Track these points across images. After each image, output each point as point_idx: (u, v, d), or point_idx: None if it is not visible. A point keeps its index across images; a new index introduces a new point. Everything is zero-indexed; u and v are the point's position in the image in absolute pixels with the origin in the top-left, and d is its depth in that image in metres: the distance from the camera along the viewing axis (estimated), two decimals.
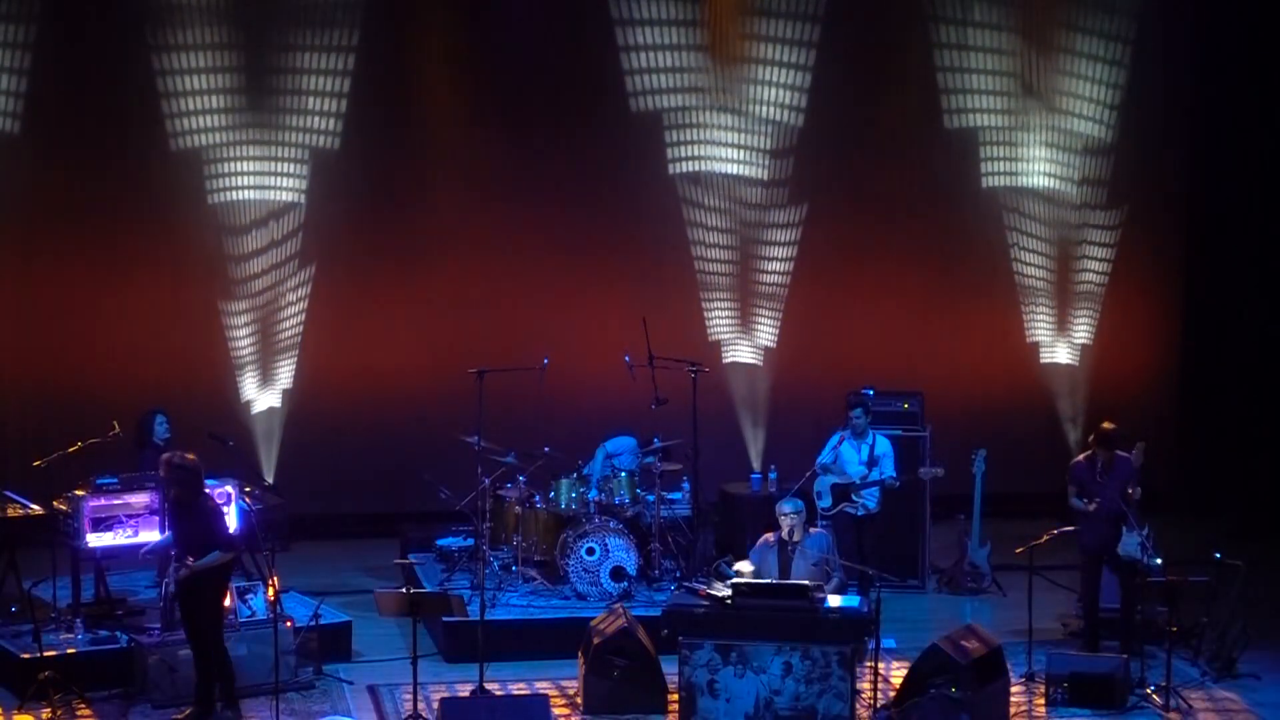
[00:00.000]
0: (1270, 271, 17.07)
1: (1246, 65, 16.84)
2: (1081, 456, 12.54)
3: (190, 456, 11.00)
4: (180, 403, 13.65)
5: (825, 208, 16.73)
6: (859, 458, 13.28)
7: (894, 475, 13.25)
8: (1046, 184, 17.08)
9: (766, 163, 16.59)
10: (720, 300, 16.56)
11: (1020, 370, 17.05)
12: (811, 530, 11.91)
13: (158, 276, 15.57)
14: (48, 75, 15.17)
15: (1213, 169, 17.21)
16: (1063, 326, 17.24)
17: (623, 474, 13.62)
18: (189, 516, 10.96)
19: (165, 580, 11.54)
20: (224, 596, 11.27)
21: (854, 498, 13.16)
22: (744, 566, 11.58)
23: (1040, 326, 17.20)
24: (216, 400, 15.17)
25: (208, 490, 11.32)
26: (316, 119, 15.82)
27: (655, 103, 16.31)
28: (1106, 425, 12.40)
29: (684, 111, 16.40)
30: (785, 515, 11.73)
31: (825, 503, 13.30)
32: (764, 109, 16.50)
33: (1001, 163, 17.00)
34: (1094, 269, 17.28)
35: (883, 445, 13.34)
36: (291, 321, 15.94)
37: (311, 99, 15.78)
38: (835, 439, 13.42)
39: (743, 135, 16.53)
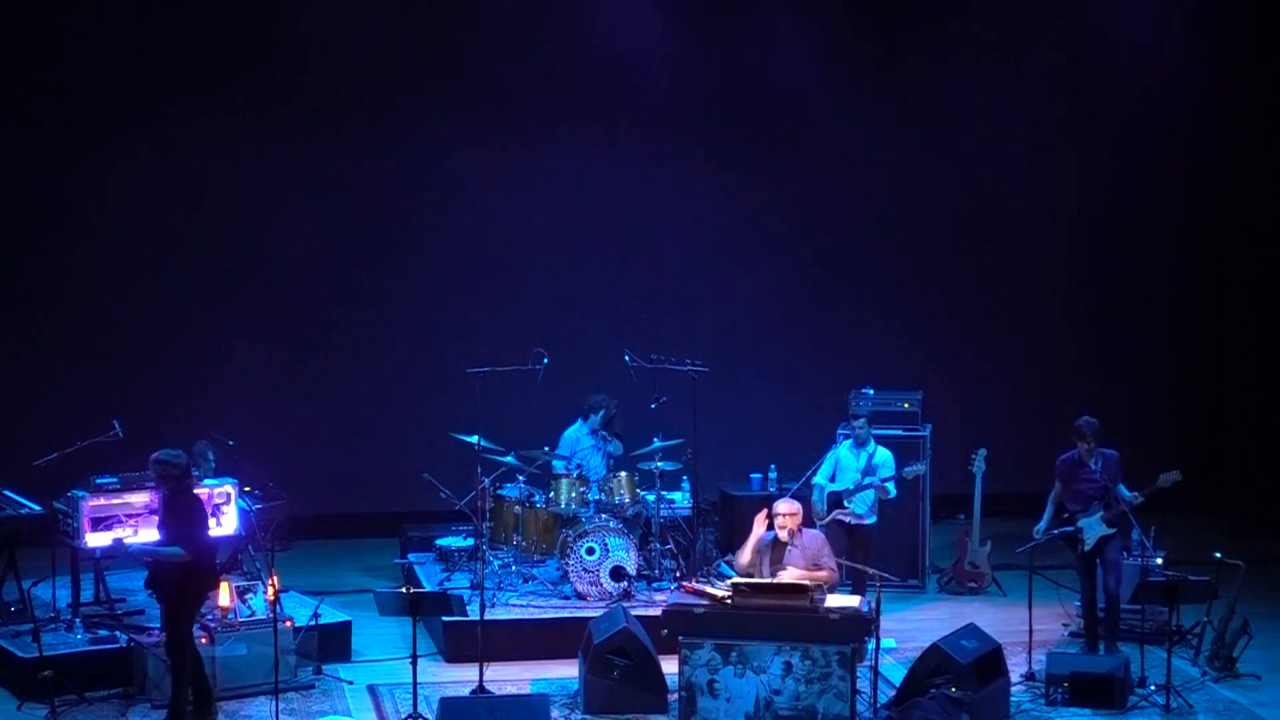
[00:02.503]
0: (1271, 270, 17.08)
1: (1247, 62, 16.90)
2: (1067, 455, 12.52)
3: (173, 453, 10.90)
4: (181, 402, 13.64)
5: (826, 207, 16.75)
6: (856, 465, 13.24)
7: (891, 478, 13.16)
8: (1046, 182, 17.10)
9: (767, 162, 16.60)
10: (720, 299, 16.56)
11: (1020, 369, 17.06)
12: (805, 530, 11.92)
13: (159, 275, 15.59)
14: (48, 76, 15.23)
15: (1214, 168, 17.23)
16: (1063, 325, 17.24)
17: (622, 474, 13.62)
18: (172, 512, 10.85)
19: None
20: (193, 602, 10.90)
21: (845, 504, 13.12)
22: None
23: (1040, 325, 17.20)
24: (217, 399, 15.15)
25: (196, 491, 11.25)
26: (317, 117, 15.85)
27: (654, 101, 16.32)
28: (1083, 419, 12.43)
29: (684, 110, 16.41)
30: (782, 515, 11.72)
31: (821, 509, 13.28)
32: (765, 107, 16.51)
33: (1001, 162, 17.01)
34: (1094, 267, 17.28)
35: (882, 455, 13.27)
36: (291, 321, 15.95)
37: (313, 98, 15.82)
38: (834, 449, 13.39)
39: (743, 135, 16.54)
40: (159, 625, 11.71)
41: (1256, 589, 13.13)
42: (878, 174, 16.73)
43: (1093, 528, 12.24)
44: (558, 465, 13.81)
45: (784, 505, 11.75)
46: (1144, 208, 17.26)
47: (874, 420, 13.99)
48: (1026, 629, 12.04)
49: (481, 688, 11.35)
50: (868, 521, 13.18)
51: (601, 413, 13.97)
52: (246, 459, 13.54)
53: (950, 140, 16.88)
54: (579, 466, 13.75)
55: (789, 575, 11.38)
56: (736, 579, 11.31)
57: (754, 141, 16.57)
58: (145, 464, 12.61)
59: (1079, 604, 12.79)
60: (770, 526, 11.63)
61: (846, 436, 13.54)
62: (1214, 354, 17.42)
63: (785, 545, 11.66)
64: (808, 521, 12.43)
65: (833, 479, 13.29)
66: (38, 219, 15.34)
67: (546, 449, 13.71)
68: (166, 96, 15.42)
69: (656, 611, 11.71)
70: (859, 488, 13.11)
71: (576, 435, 14.01)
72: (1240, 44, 16.89)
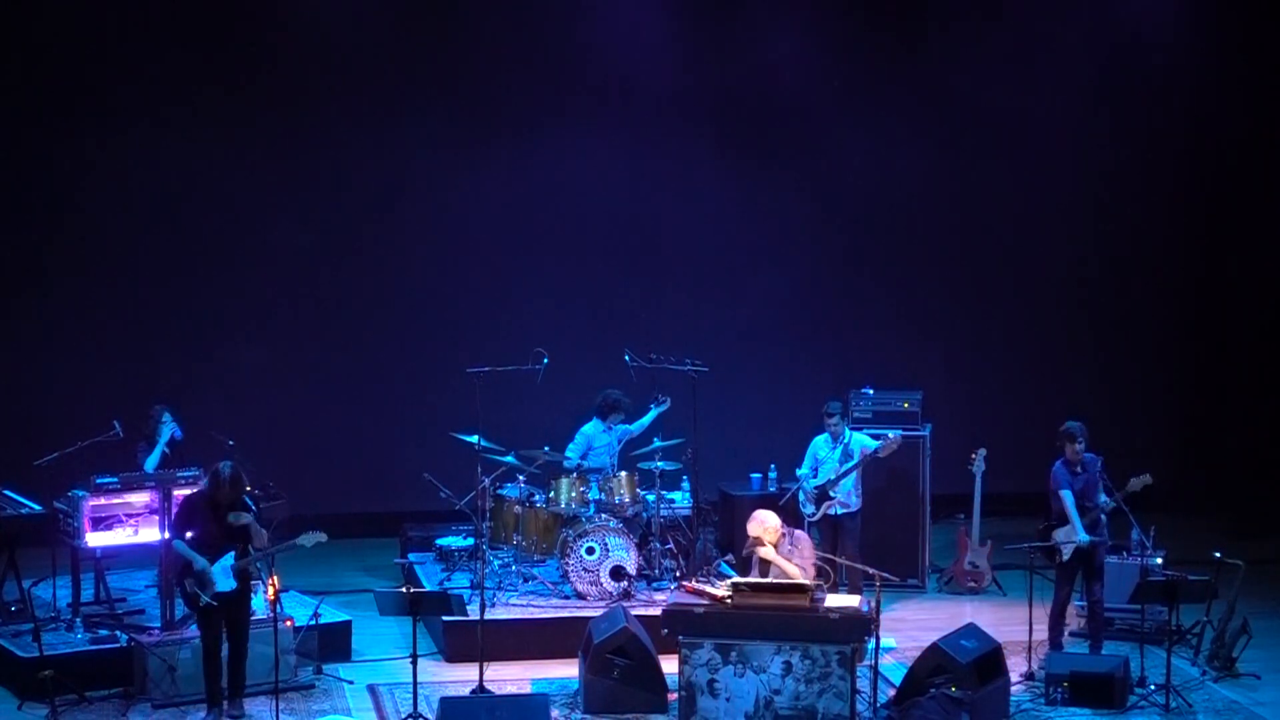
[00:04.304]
0: (1272, 271, 17.08)
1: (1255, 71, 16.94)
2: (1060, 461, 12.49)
3: (232, 466, 11.10)
4: (180, 402, 13.64)
5: (827, 208, 16.75)
6: (834, 458, 13.27)
7: (873, 451, 13.19)
8: (1046, 182, 17.10)
9: (769, 162, 16.60)
10: (721, 299, 16.56)
11: (1020, 369, 17.06)
12: (796, 532, 11.94)
13: (158, 275, 15.59)
14: (43, 78, 15.24)
15: (1215, 169, 17.23)
16: (1063, 325, 17.24)
17: (622, 474, 13.61)
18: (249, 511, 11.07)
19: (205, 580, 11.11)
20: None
21: (831, 494, 13.14)
22: None
23: (1040, 325, 17.19)
24: (216, 399, 15.15)
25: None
26: (318, 114, 15.85)
27: (656, 101, 16.32)
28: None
29: (685, 110, 16.41)
30: (753, 538, 11.75)
31: (809, 509, 13.29)
32: (766, 108, 16.51)
33: (1000, 162, 17.01)
34: (1095, 267, 17.28)
35: (857, 442, 13.32)
36: (291, 321, 15.95)
37: (315, 96, 15.83)
38: (813, 445, 13.41)
39: (745, 134, 16.54)
40: (163, 620, 11.77)
41: (1256, 589, 13.13)
42: (879, 175, 16.73)
43: (1070, 538, 12.19)
44: (569, 463, 13.79)
45: (753, 529, 11.76)
46: (1146, 206, 17.25)
47: (874, 420, 14.01)
48: (1026, 629, 12.03)
49: (481, 687, 11.36)
50: (854, 508, 13.20)
51: (621, 415, 13.97)
52: (246, 459, 13.51)
53: (952, 141, 16.87)
54: (579, 466, 13.74)
55: (788, 568, 11.48)
56: (736, 579, 11.32)
57: (756, 141, 16.57)
58: (137, 459, 12.79)
59: (1080, 604, 12.78)
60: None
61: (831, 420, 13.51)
62: (1214, 354, 17.41)
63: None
64: (796, 522, 12.46)
65: (815, 474, 13.30)
66: (36, 219, 15.35)
67: (547, 449, 13.69)
68: (164, 97, 15.42)
69: (656, 611, 11.70)
70: (840, 475, 13.12)
71: (593, 433, 13.99)
72: (1248, 57, 16.91)
